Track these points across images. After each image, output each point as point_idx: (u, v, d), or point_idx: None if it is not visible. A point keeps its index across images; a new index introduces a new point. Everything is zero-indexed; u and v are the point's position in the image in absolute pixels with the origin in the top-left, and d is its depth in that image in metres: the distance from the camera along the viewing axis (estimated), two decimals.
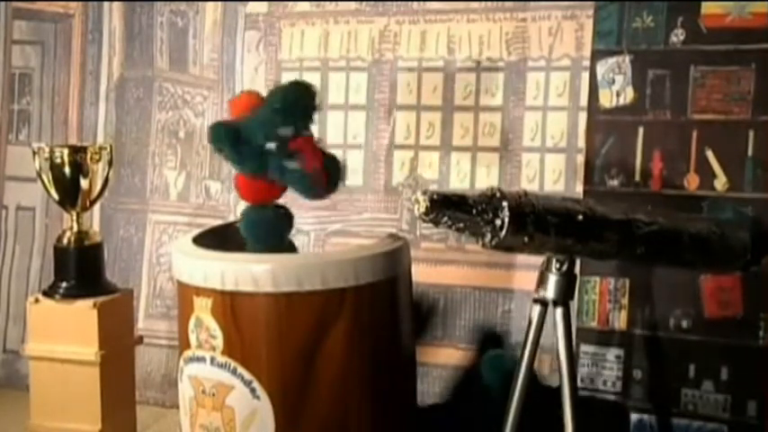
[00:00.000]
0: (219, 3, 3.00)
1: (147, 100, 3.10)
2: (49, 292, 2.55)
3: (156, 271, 3.09)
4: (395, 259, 2.11)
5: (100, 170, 2.55)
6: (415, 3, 2.79)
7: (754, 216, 2.30)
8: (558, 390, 1.95)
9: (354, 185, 2.84)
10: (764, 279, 2.28)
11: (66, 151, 2.52)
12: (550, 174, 2.67)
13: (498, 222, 1.79)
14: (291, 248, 2.26)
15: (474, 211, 1.78)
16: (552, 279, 1.95)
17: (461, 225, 1.80)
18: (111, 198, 3.03)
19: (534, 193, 1.90)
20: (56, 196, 2.56)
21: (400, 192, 2.82)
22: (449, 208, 1.77)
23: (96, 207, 2.89)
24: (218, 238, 2.29)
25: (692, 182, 2.39)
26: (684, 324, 2.38)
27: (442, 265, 2.78)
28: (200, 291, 2.03)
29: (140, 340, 2.75)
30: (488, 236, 1.81)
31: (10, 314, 3.23)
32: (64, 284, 2.53)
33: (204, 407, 2.06)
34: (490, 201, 1.80)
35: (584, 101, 2.57)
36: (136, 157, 3.10)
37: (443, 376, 2.76)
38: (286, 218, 2.21)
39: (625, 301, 2.45)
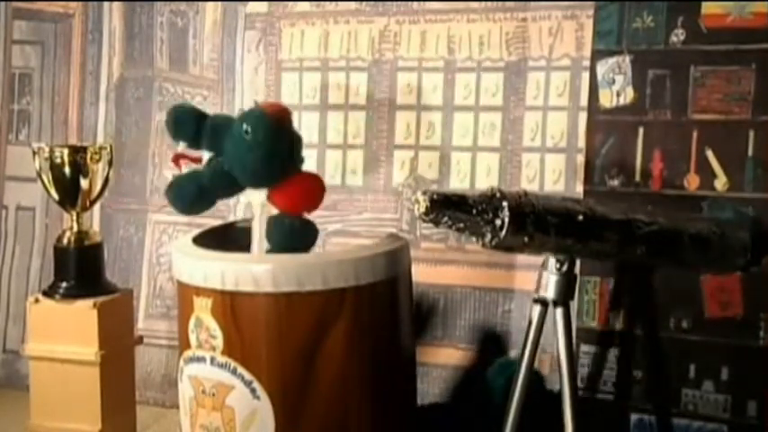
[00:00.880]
0: (219, 3, 3.00)
1: (147, 100, 3.09)
2: (49, 292, 2.55)
3: (156, 271, 3.09)
4: (395, 259, 2.11)
5: (100, 170, 2.55)
6: (415, 3, 2.79)
7: (754, 216, 2.29)
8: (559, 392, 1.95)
9: (354, 185, 2.84)
10: (764, 279, 2.28)
11: (66, 151, 2.52)
12: (550, 174, 2.67)
13: (498, 222, 1.79)
14: None
15: (474, 211, 1.78)
16: (552, 279, 1.95)
17: (461, 225, 1.80)
18: (111, 198, 3.03)
19: (534, 193, 1.90)
20: (56, 196, 2.56)
21: (400, 192, 2.82)
22: (449, 208, 1.77)
23: (96, 207, 2.89)
24: (218, 239, 2.29)
25: (692, 182, 2.39)
26: (685, 324, 2.38)
27: (442, 265, 2.77)
28: (200, 291, 2.03)
29: (140, 340, 2.75)
30: (488, 236, 1.81)
31: (10, 314, 3.22)
32: (64, 284, 2.54)
33: (204, 407, 2.06)
34: (490, 201, 1.80)
35: (584, 101, 2.57)
36: (136, 157, 3.10)
37: (443, 376, 2.75)
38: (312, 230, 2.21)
39: (625, 301, 2.45)
